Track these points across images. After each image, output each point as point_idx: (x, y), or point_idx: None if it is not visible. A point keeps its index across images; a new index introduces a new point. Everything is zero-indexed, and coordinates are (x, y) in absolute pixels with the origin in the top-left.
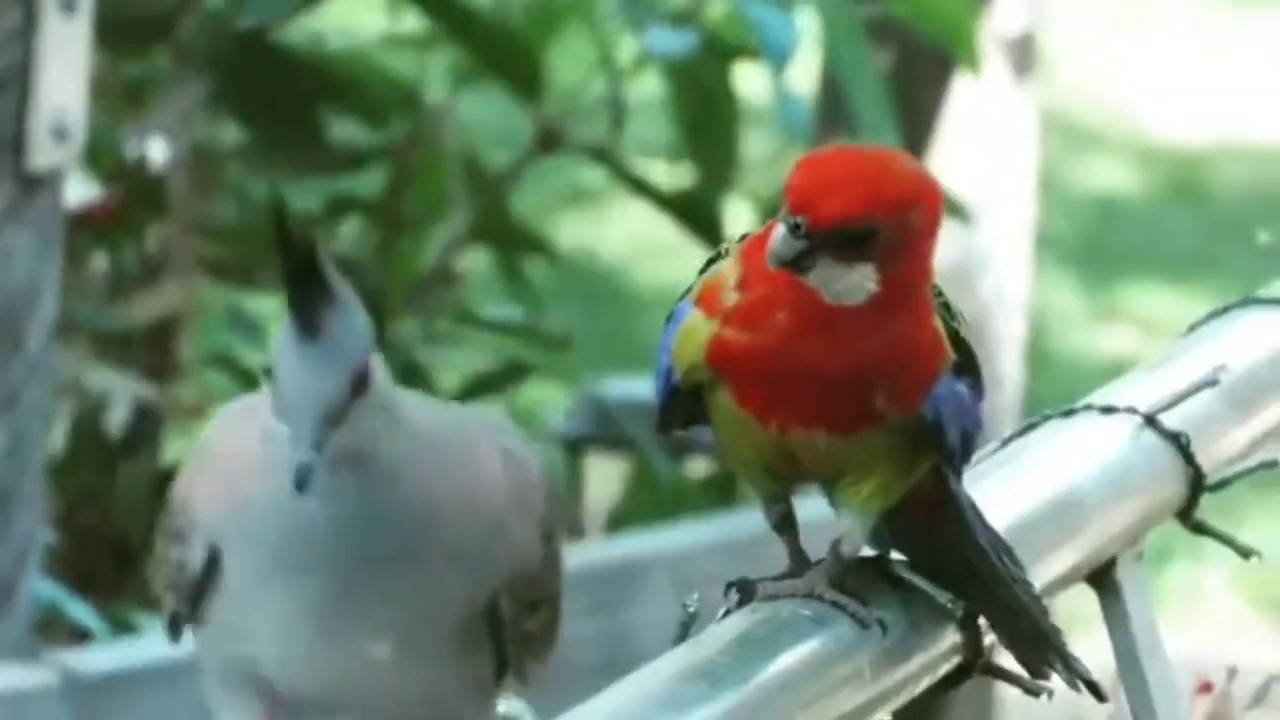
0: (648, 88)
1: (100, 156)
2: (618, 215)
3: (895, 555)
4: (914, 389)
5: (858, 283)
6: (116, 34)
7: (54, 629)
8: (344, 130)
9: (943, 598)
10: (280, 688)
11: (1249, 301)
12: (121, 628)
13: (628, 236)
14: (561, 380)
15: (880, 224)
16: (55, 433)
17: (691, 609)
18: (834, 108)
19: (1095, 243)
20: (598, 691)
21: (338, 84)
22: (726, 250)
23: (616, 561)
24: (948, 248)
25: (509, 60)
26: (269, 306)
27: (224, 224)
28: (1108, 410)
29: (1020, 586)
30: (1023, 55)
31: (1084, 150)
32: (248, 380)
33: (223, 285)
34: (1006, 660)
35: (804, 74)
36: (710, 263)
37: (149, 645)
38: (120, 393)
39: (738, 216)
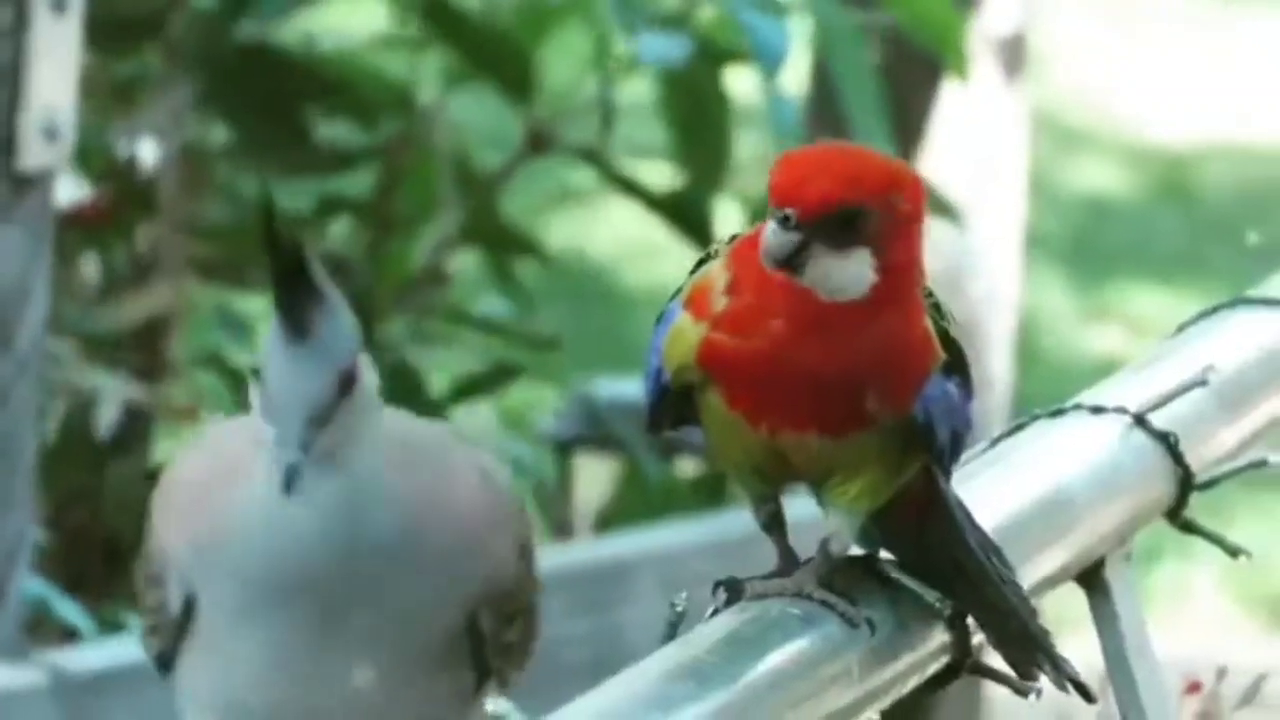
0: (638, 89)
1: (90, 156)
2: (607, 216)
3: (884, 555)
4: (905, 389)
5: (856, 271)
6: (107, 34)
7: (43, 628)
8: (334, 130)
9: (931, 597)
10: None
11: (1238, 302)
12: (111, 627)
13: (617, 237)
14: (551, 381)
15: (868, 205)
16: (45, 432)
17: (680, 608)
18: (824, 108)
19: (1085, 243)
20: (586, 691)
21: (328, 84)
22: (716, 251)
23: (605, 561)
24: (938, 248)
25: (500, 61)
26: (259, 306)
27: (214, 224)
28: (1097, 410)
29: (1009, 587)
30: (1013, 56)
31: (1074, 150)
32: (237, 380)
33: (213, 285)
34: (995, 660)
35: (794, 74)
36: (700, 263)
37: (138, 645)
38: (110, 392)
39: (727, 217)
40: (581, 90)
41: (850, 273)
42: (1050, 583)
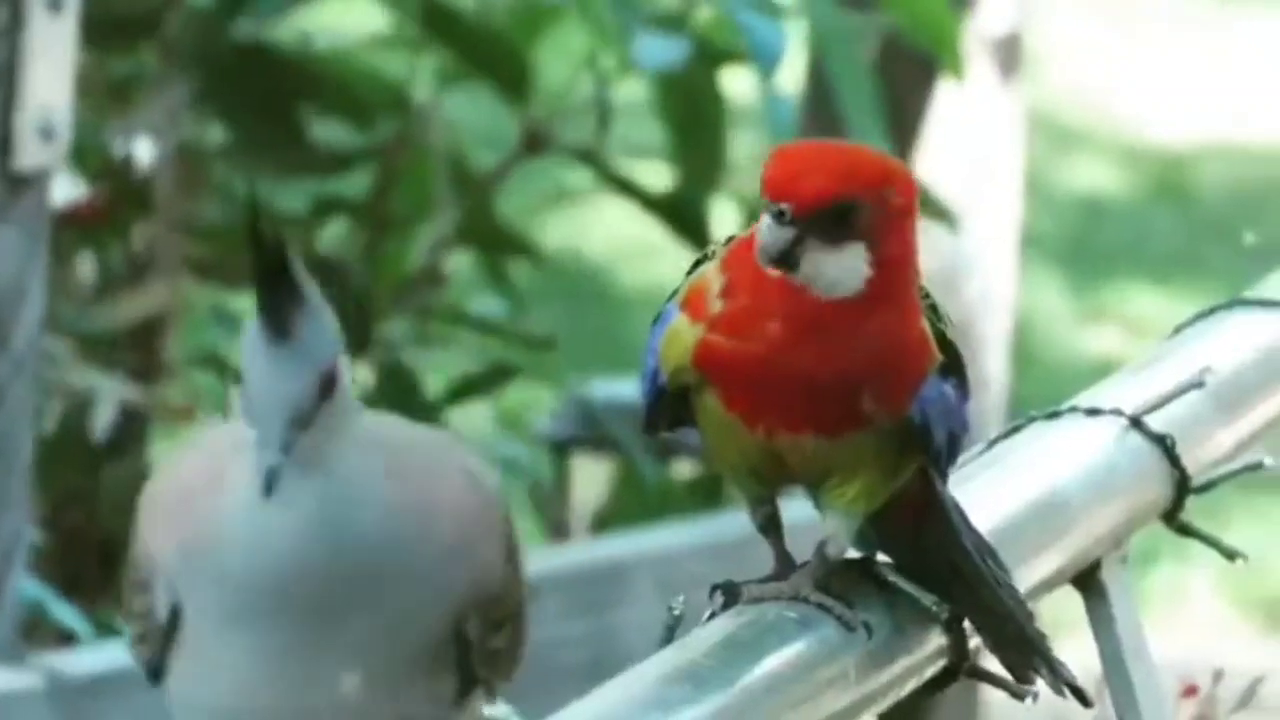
0: (634, 89)
1: (86, 155)
2: (603, 216)
3: (881, 557)
4: (901, 391)
5: (851, 265)
6: (102, 32)
7: (39, 631)
8: (330, 130)
9: (928, 600)
10: None
11: (1235, 303)
12: (107, 629)
13: (613, 238)
14: (547, 381)
15: (861, 199)
16: (42, 432)
17: (677, 611)
18: (820, 108)
19: (1081, 243)
20: (583, 693)
21: (324, 84)
22: (713, 252)
23: (602, 563)
24: (934, 248)
25: (495, 61)
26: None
27: (210, 223)
28: (1093, 412)
29: (1005, 590)
30: (1008, 55)
31: (1070, 150)
32: (234, 380)
33: (209, 285)
34: (991, 663)
35: (789, 74)
36: (697, 264)
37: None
38: (106, 392)
39: (724, 218)
40: (577, 90)
41: (845, 267)
42: (1047, 585)
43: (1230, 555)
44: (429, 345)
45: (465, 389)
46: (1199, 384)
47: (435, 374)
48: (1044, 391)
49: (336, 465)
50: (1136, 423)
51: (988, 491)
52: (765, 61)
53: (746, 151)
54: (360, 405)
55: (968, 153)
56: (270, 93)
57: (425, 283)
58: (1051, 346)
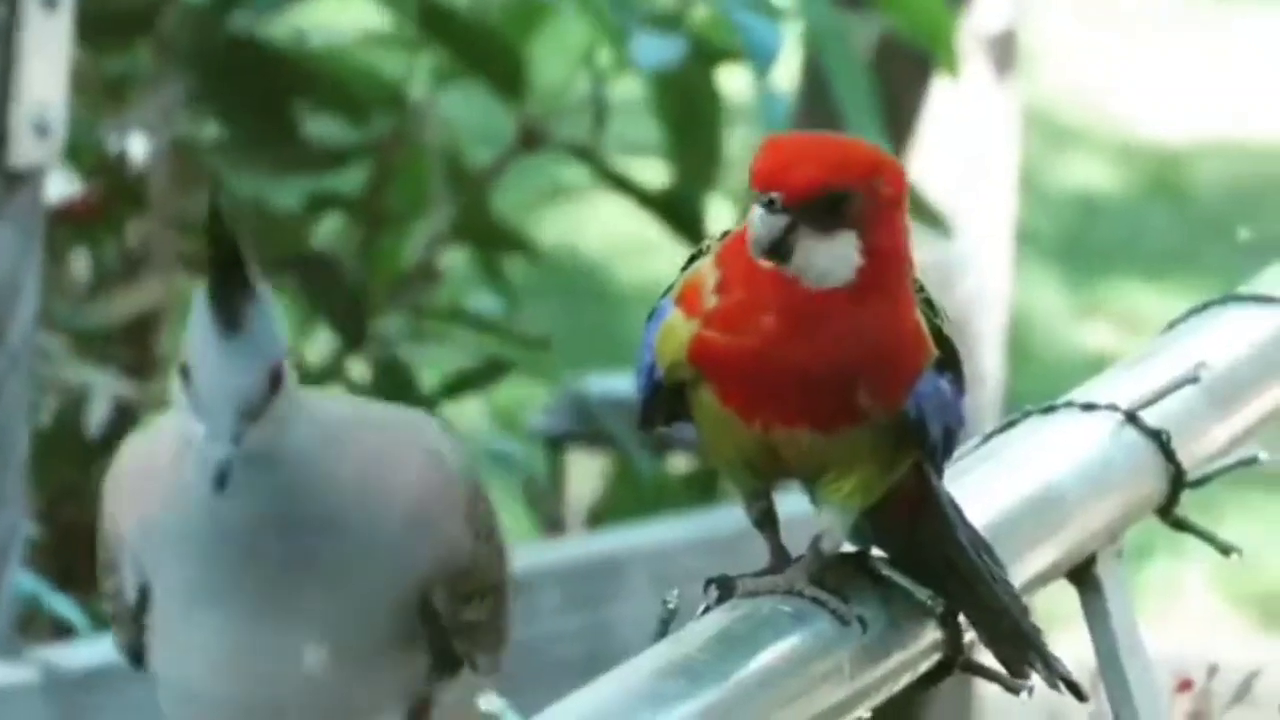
0: (630, 86)
1: (81, 152)
2: (599, 213)
3: (876, 552)
4: (897, 386)
5: (842, 254)
6: (97, 29)
7: (35, 625)
8: (325, 127)
9: (923, 594)
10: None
11: (1229, 298)
12: (103, 623)
13: (609, 234)
14: (542, 378)
15: (852, 187)
16: (38, 427)
17: (672, 605)
18: (815, 105)
19: (1076, 240)
20: (578, 687)
21: (319, 81)
22: (708, 247)
23: (597, 558)
24: (929, 244)
25: (491, 58)
26: None
27: (205, 220)
28: (1088, 407)
29: (1000, 585)
30: (1004, 53)
31: (1065, 148)
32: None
33: (203, 281)
34: (986, 658)
35: (784, 71)
36: (693, 259)
37: None
38: (101, 388)
39: (719, 214)
40: (573, 87)
41: (836, 256)
42: (1041, 580)
43: (1225, 550)
44: (424, 341)
45: (460, 384)
46: (1194, 379)
47: (430, 370)
48: (1039, 387)
49: (285, 453)
50: (1132, 418)
51: (983, 486)
52: (761, 60)
53: (742, 149)
54: (311, 392)
55: (963, 150)
56: (265, 89)
57: (420, 279)
58: (1047, 342)
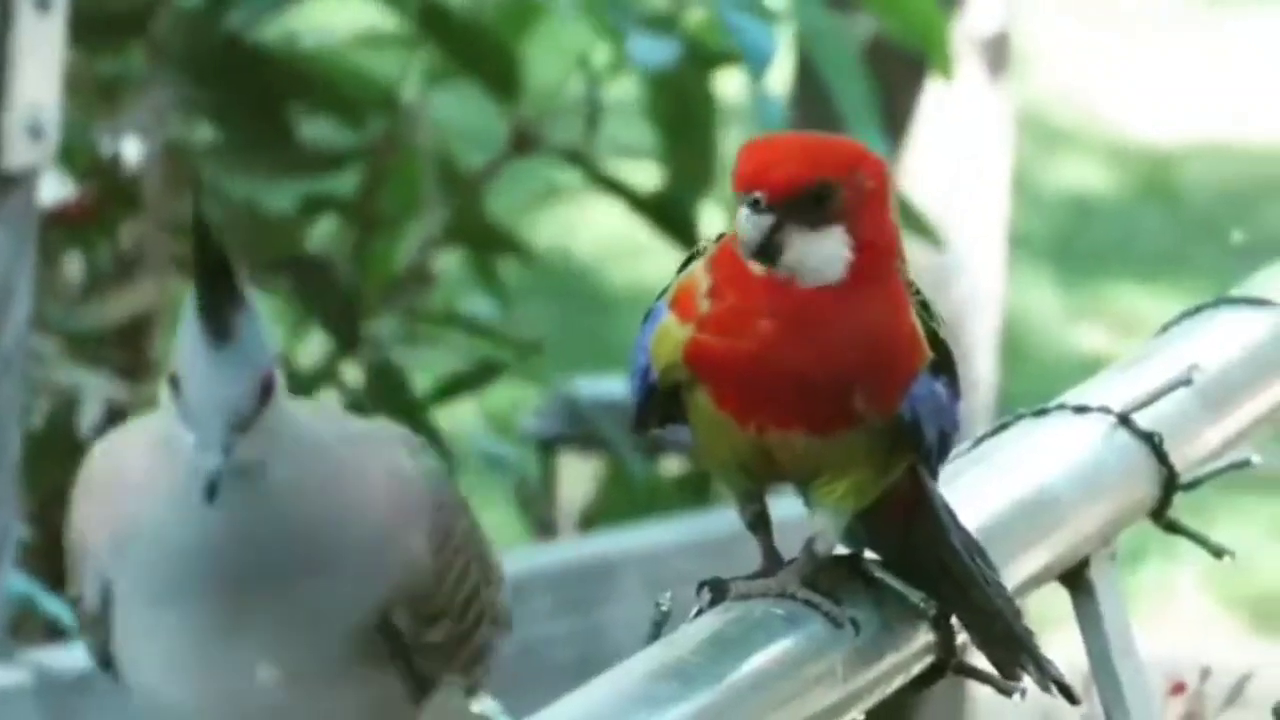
0: (623, 88)
1: (74, 154)
2: (592, 216)
3: (869, 554)
4: (892, 389)
5: (832, 249)
6: (91, 31)
7: (28, 627)
8: (319, 129)
9: (916, 597)
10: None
11: (1222, 301)
12: None
13: (602, 237)
14: (535, 380)
15: (834, 180)
16: (30, 428)
17: (664, 608)
18: (809, 107)
19: (1069, 242)
20: (570, 690)
21: (312, 83)
22: (703, 249)
23: (589, 560)
24: (921, 247)
25: (484, 60)
26: None
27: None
28: (1081, 410)
29: (993, 588)
30: (996, 55)
31: (1058, 150)
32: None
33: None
34: (979, 660)
35: (778, 73)
36: (688, 262)
37: None
38: (93, 391)
39: (712, 218)
40: (567, 90)
41: (826, 251)
42: (1034, 582)
43: (1218, 553)
44: (417, 344)
45: (453, 387)
46: (1186, 382)
47: (423, 373)
48: (1032, 389)
49: (269, 466)
50: (1124, 420)
51: (976, 489)
52: (755, 63)
53: (735, 149)
54: (294, 403)
55: (956, 152)
56: (259, 92)
57: (414, 282)
58: (1040, 345)
